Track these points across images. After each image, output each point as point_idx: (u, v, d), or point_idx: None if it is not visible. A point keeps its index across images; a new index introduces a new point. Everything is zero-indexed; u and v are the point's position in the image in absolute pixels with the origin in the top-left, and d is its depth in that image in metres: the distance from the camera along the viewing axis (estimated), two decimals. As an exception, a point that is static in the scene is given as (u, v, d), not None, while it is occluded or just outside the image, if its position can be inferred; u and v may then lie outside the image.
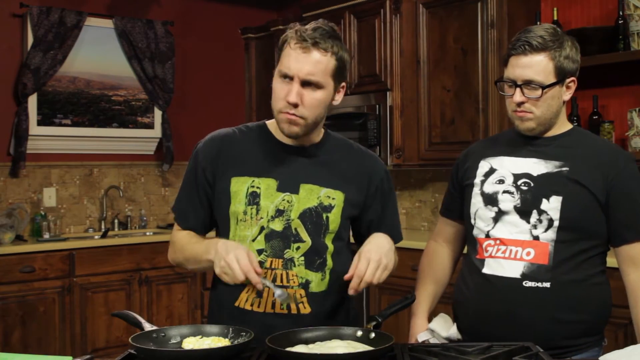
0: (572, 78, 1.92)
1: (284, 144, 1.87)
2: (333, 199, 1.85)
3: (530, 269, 1.85)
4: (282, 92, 1.76)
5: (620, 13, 3.58)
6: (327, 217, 1.84)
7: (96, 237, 4.89)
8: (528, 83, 1.87)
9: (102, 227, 5.12)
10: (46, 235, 4.65)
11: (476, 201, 1.98)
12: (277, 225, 1.82)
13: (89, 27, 5.02)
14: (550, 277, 1.84)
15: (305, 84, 1.75)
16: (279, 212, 1.82)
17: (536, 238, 1.87)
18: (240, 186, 1.84)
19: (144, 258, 4.74)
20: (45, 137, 4.89)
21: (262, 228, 1.82)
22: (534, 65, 1.86)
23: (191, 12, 5.61)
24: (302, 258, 1.82)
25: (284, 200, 1.83)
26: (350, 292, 1.70)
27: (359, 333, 1.65)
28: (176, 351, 1.59)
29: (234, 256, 1.66)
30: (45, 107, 4.89)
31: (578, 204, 1.86)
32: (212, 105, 5.65)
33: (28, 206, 4.81)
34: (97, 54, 5.11)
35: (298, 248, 1.82)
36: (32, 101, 4.81)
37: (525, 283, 1.85)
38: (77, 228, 5.10)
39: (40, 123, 4.86)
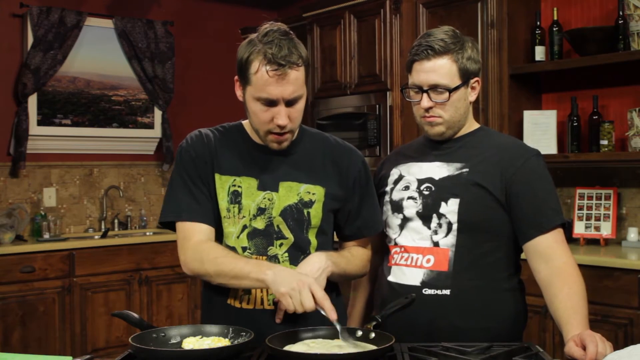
0: (476, 78, 1.92)
1: (260, 144, 1.88)
2: (313, 194, 1.86)
3: (429, 277, 1.85)
4: (266, 116, 1.76)
5: (620, 13, 3.58)
6: (309, 213, 1.86)
7: (96, 237, 4.89)
8: (434, 87, 1.86)
9: (102, 227, 5.12)
10: (46, 235, 4.65)
11: (386, 209, 1.98)
12: (259, 224, 1.84)
13: (89, 27, 5.02)
14: (451, 284, 1.83)
15: (289, 102, 1.76)
16: (261, 211, 1.84)
17: (436, 244, 1.86)
18: (222, 184, 1.86)
19: (144, 258, 4.74)
20: (45, 137, 4.89)
21: (245, 227, 1.84)
22: (439, 69, 1.86)
23: (191, 12, 5.62)
24: (286, 254, 1.84)
25: (264, 198, 1.84)
26: (277, 321, 1.76)
27: (359, 333, 1.65)
28: (176, 351, 1.59)
29: (308, 285, 1.64)
30: (45, 107, 4.89)
31: (476, 206, 1.85)
32: (212, 105, 5.65)
33: (28, 206, 4.81)
34: (97, 54, 5.11)
35: (281, 245, 1.84)
36: (32, 101, 4.81)
37: (425, 291, 1.84)
38: (77, 228, 5.10)
39: (40, 123, 4.86)
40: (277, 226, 1.84)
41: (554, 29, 3.87)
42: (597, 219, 3.77)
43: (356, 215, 1.94)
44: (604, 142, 3.67)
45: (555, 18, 3.88)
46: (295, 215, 1.84)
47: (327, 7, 4.84)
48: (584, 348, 1.54)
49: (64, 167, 5.04)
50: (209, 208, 1.86)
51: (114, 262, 4.61)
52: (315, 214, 1.86)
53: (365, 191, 1.94)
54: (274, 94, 1.73)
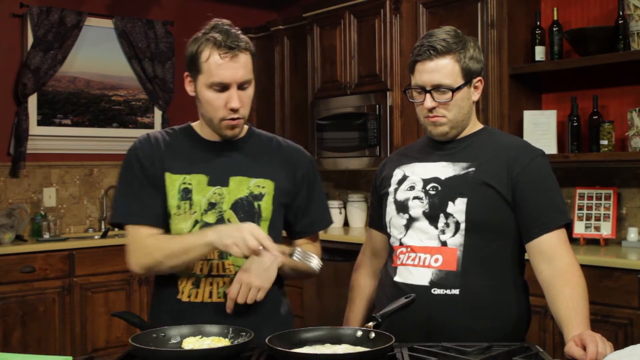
0: (479, 78, 1.92)
1: (211, 141, 1.94)
2: (263, 187, 1.92)
3: (438, 276, 1.84)
4: (220, 101, 1.83)
5: (620, 13, 3.58)
6: (259, 205, 1.91)
7: (96, 237, 4.89)
8: (437, 87, 1.87)
9: (102, 227, 5.12)
10: (46, 235, 4.65)
11: (390, 209, 1.97)
12: (211, 218, 1.88)
13: (89, 27, 5.02)
14: (460, 283, 1.82)
15: (240, 86, 1.83)
16: (211, 205, 1.89)
17: (444, 244, 1.85)
18: (172, 182, 1.90)
19: (144, 258, 4.73)
20: (45, 137, 4.90)
21: (197, 221, 1.89)
22: (441, 69, 1.86)
23: (191, 12, 5.61)
24: None
25: (215, 193, 1.90)
26: (228, 311, 1.79)
27: (359, 333, 1.65)
28: (176, 351, 1.59)
29: (249, 229, 1.71)
30: (45, 107, 4.89)
31: (483, 205, 1.84)
32: (212, 105, 5.64)
33: (28, 206, 4.81)
34: (97, 54, 5.11)
35: None
36: (32, 101, 4.82)
37: (434, 290, 1.83)
38: (77, 228, 5.10)
39: (40, 123, 4.87)
40: (228, 220, 1.89)
41: (554, 29, 3.87)
42: (597, 219, 3.77)
43: (305, 211, 2.00)
44: (604, 142, 3.67)
45: (555, 18, 3.88)
46: (246, 207, 1.90)
47: (327, 7, 4.83)
48: (584, 348, 1.54)
49: (64, 167, 5.04)
50: (155, 209, 1.91)
51: (114, 262, 4.60)
52: (266, 206, 1.92)
53: (313, 188, 2.02)
54: (227, 76, 1.80)
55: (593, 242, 3.79)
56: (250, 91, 1.86)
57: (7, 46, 4.76)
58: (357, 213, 5.04)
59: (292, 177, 1.97)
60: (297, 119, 5.25)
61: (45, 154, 4.95)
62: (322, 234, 2.13)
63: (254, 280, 1.76)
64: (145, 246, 1.86)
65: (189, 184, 1.90)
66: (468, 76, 1.88)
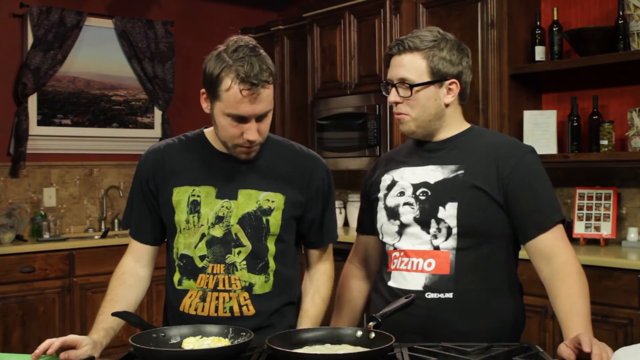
0: (453, 80, 1.89)
1: (221, 152, 1.90)
2: (273, 201, 1.87)
3: (432, 280, 1.82)
4: (236, 131, 1.78)
5: (620, 13, 3.59)
6: (267, 220, 1.87)
7: (96, 237, 4.89)
8: (402, 82, 1.87)
9: (102, 227, 5.12)
10: (46, 235, 4.65)
11: (381, 216, 1.95)
12: (218, 232, 1.85)
13: (89, 27, 5.02)
14: (453, 287, 1.81)
15: (259, 118, 1.78)
16: (219, 219, 1.86)
17: (437, 248, 1.84)
18: (181, 196, 1.88)
19: (144, 258, 4.73)
20: (45, 137, 4.89)
21: (203, 235, 1.86)
22: (407, 64, 1.86)
23: (191, 12, 5.62)
24: (244, 262, 1.85)
25: (223, 206, 1.86)
26: None
27: (359, 333, 1.65)
28: (176, 351, 1.59)
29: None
30: (45, 107, 4.89)
31: (474, 208, 1.82)
32: (212, 105, 5.64)
33: (28, 206, 4.81)
34: (97, 54, 5.11)
35: (239, 252, 1.85)
36: (32, 101, 4.81)
37: (428, 295, 1.82)
38: (77, 228, 5.10)
39: (40, 123, 4.87)
40: (235, 234, 1.85)
41: (554, 29, 3.87)
42: (597, 219, 3.77)
43: (320, 224, 1.97)
44: (604, 142, 3.67)
45: (555, 18, 3.88)
46: (254, 222, 1.86)
47: (327, 7, 4.83)
48: (575, 349, 1.54)
49: (64, 167, 5.04)
50: (153, 229, 1.96)
51: (114, 262, 4.49)
52: (274, 221, 1.87)
53: (327, 200, 1.98)
54: (247, 111, 1.74)
55: (593, 242, 3.79)
56: (269, 119, 1.81)
57: (7, 46, 4.76)
58: (357, 213, 5.03)
59: (306, 189, 1.92)
60: (297, 118, 5.26)
61: (45, 154, 4.95)
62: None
63: None
64: (117, 269, 2.05)
65: (198, 195, 1.87)
66: (437, 76, 1.86)
